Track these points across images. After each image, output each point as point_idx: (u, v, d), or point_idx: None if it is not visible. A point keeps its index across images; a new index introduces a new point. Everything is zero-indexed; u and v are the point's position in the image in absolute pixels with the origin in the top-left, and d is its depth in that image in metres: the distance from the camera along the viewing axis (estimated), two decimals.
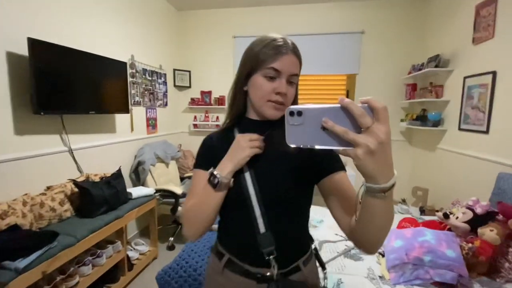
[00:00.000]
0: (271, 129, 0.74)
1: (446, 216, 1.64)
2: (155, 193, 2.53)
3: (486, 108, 2.18)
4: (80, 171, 2.15)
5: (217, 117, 3.83)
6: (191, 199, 0.75)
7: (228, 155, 0.71)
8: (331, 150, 0.45)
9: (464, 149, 2.46)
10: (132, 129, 2.85)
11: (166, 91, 3.55)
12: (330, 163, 0.72)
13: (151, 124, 3.22)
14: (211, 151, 0.78)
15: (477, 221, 1.54)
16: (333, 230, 1.94)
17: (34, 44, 1.64)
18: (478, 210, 1.57)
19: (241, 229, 0.74)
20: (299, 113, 0.45)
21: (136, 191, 2.34)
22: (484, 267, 1.41)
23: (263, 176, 0.72)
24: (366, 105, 0.42)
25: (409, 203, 2.81)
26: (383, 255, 1.57)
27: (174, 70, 3.72)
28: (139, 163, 2.80)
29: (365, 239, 0.58)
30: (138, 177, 2.81)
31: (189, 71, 3.86)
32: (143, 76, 3.01)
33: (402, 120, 3.37)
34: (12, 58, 1.63)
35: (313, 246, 0.84)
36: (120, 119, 2.65)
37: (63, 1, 1.97)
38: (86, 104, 2.10)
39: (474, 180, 2.32)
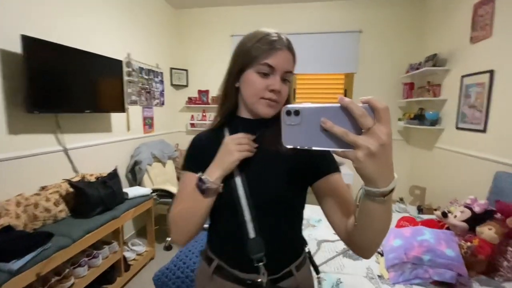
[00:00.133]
0: (264, 129, 0.71)
1: (444, 215, 1.64)
2: (152, 193, 2.50)
3: (483, 107, 2.18)
4: (75, 171, 2.12)
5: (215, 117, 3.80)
6: (179, 203, 0.71)
7: (216, 160, 0.67)
8: (327, 150, 0.43)
9: (461, 148, 2.46)
10: (128, 129, 2.82)
11: (163, 90, 3.52)
12: (325, 164, 0.69)
13: (148, 123, 3.19)
14: (200, 152, 0.74)
15: (475, 219, 1.54)
16: (332, 230, 1.92)
17: (27, 41, 1.61)
18: (476, 209, 1.57)
19: (230, 234, 0.71)
20: (297, 112, 0.43)
21: (133, 191, 2.32)
22: (482, 266, 1.41)
23: (254, 179, 0.69)
24: (367, 105, 0.40)
25: (407, 202, 2.82)
26: (382, 255, 1.57)
27: (171, 69, 3.69)
28: (136, 163, 2.77)
29: (362, 243, 0.56)
30: (135, 177, 2.78)
31: (186, 70, 3.83)
32: (140, 75, 2.97)
33: (399, 119, 3.37)
34: (5, 56, 1.60)
35: (307, 250, 0.81)
36: (116, 118, 2.62)
37: None
38: (81, 103, 2.06)
39: (472, 179, 2.33)
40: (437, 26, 2.99)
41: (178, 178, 3.34)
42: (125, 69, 2.66)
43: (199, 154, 0.74)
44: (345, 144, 0.41)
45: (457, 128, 2.53)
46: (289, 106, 0.44)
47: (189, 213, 0.68)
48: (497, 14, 2.09)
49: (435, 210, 1.88)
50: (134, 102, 2.89)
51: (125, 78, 2.68)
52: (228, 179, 0.68)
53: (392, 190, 0.44)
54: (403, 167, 3.46)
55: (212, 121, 0.79)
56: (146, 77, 3.10)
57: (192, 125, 3.83)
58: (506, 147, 1.97)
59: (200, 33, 3.77)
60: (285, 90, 0.68)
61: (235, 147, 0.66)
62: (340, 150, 0.42)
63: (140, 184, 2.74)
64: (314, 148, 0.43)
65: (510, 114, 1.95)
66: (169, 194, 2.66)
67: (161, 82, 3.46)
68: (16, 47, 1.60)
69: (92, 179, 2.09)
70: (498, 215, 1.52)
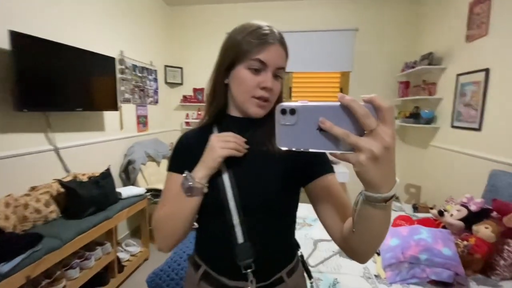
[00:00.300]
0: (255, 128, 0.68)
1: (441, 213, 1.64)
2: (146, 192, 2.46)
3: (478, 105, 2.19)
4: (67, 170, 2.07)
5: None
6: (163, 206, 0.68)
7: (202, 158, 0.63)
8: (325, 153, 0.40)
9: (456, 147, 2.47)
10: (121, 127, 2.77)
11: (157, 88, 3.47)
12: (319, 164, 0.66)
13: (142, 121, 3.14)
14: (187, 152, 0.70)
15: (472, 218, 1.54)
16: None
17: (16, 37, 1.56)
18: (472, 207, 1.56)
19: (217, 238, 0.68)
20: (292, 111, 0.39)
21: (126, 191, 2.28)
22: (479, 265, 1.41)
23: (244, 180, 0.65)
24: (369, 104, 0.36)
25: (402, 200, 2.83)
26: (378, 254, 1.55)
27: (165, 66, 3.64)
28: (129, 162, 2.72)
29: (358, 248, 0.54)
30: (128, 176, 2.73)
31: (181, 68, 3.78)
32: (133, 73, 2.92)
33: (395, 118, 3.37)
34: None
35: (299, 253, 0.78)
36: (109, 116, 2.57)
37: None
38: (72, 101, 2.01)
39: (467, 177, 2.33)
40: (432, 24, 2.99)
41: None
42: (118, 66, 2.61)
43: (185, 154, 0.70)
44: (345, 146, 0.38)
45: (453, 126, 2.54)
46: (284, 104, 0.40)
47: (174, 216, 0.65)
48: (493, 13, 2.09)
49: (431, 208, 1.88)
50: (127, 100, 2.84)
51: (118, 75, 2.62)
52: (216, 180, 0.64)
53: (394, 195, 0.41)
54: (399, 165, 3.37)
55: (200, 119, 0.76)
56: (140, 74, 3.05)
57: (187, 123, 3.79)
58: (502, 146, 1.97)
59: (195, 30, 3.72)
60: (277, 87, 0.65)
61: (218, 144, 0.62)
62: (339, 152, 0.39)
63: (134, 183, 2.69)
64: (311, 150, 0.40)
65: (506, 113, 1.96)
66: None
67: (155, 80, 3.41)
68: (4, 43, 1.54)
69: (84, 179, 2.04)
70: (495, 214, 1.52)
